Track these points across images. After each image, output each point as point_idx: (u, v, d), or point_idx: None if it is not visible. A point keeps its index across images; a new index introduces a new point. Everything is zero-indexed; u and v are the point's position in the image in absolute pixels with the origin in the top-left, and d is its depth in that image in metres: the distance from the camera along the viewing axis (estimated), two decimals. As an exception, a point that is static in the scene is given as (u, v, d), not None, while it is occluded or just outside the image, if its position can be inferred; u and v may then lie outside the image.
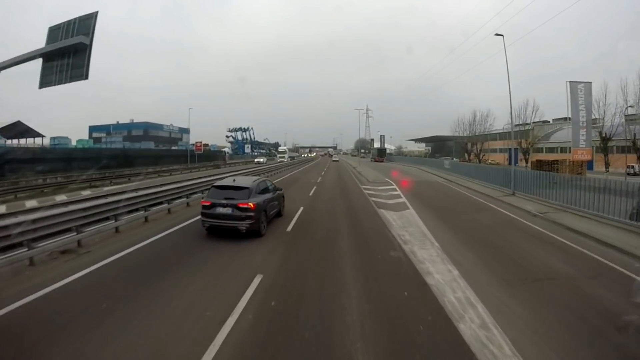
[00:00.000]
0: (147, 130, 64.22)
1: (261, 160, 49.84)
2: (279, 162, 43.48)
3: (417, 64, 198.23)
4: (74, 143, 46.07)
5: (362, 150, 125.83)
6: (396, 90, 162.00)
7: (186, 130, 76.16)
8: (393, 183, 20.82)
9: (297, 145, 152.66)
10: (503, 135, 40.95)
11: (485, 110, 49.09)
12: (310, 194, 16.05)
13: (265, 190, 8.65)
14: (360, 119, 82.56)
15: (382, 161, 65.86)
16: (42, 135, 51.58)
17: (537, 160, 32.15)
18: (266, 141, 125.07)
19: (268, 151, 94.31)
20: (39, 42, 18.44)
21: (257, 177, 10.14)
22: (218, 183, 8.41)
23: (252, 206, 7.47)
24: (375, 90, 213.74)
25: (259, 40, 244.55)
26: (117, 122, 69.90)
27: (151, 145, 48.24)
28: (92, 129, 73.53)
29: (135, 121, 67.15)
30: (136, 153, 38.76)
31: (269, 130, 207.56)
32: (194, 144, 49.58)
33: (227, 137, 61.21)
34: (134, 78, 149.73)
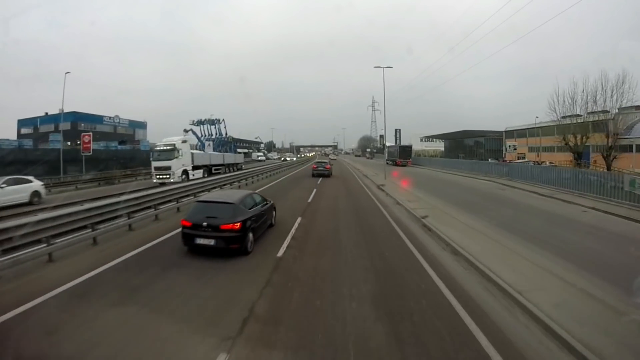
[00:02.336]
0: (77, 123, 46.57)
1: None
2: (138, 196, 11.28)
3: (417, 63, 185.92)
4: None
5: (368, 150, 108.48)
6: (396, 89, 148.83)
7: (141, 125, 58.17)
8: None
9: (293, 144, 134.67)
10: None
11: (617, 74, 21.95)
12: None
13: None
14: (368, 109, 64.36)
15: (405, 165, 45.73)
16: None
17: None
18: (257, 140, 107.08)
19: (250, 152, 78.38)
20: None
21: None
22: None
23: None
24: (375, 89, 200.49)
25: (259, 40, 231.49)
26: (46, 113, 52.34)
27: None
28: (21, 123, 56.42)
29: (66, 111, 49.41)
30: None
31: (269, 130, 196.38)
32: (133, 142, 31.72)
33: (187, 131, 42.11)
34: (133, 78, 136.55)
